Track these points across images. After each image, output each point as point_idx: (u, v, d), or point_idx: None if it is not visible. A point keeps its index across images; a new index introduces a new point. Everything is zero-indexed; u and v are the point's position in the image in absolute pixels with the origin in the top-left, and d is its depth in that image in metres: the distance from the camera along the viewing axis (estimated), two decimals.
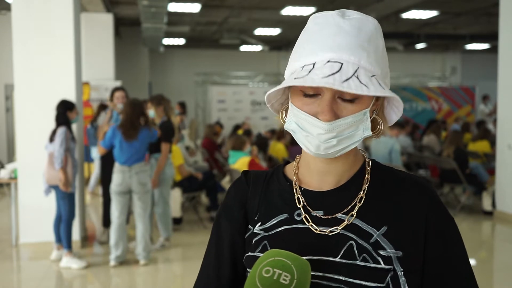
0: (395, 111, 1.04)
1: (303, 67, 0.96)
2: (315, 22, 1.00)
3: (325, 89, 0.95)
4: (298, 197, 1.06)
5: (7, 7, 9.16)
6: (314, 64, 0.94)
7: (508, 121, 7.15)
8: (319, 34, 0.97)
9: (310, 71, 0.93)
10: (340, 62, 0.93)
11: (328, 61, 0.93)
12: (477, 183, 7.66)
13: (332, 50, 0.94)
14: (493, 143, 8.50)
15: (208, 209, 7.14)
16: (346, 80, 0.90)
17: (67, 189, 4.96)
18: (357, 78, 0.91)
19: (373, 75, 0.94)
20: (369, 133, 0.98)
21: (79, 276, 4.97)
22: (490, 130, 10.10)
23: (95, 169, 8.29)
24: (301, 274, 0.89)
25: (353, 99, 0.95)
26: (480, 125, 12.14)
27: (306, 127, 0.97)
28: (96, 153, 7.70)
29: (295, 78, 0.94)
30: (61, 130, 4.98)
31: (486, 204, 7.38)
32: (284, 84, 0.95)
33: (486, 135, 9.25)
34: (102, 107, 7.79)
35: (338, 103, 0.95)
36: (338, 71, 0.91)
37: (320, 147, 0.96)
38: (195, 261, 5.29)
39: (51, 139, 5.04)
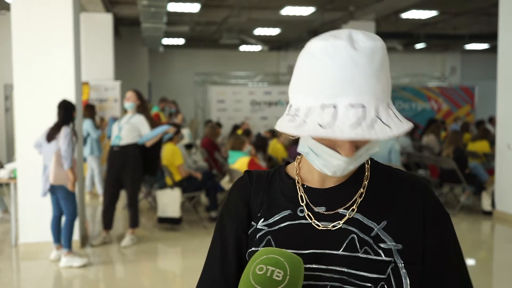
0: None
1: (323, 107, 0.92)
2: (326, 52, 0.94)
3: None
4: (301, 196, 1.09)
5: (7, 7, 9.16)
6: (335, 106, 0.91)
7: (508, 121, 7.15)
8: (334, 68, 0.92)
9: (335, 118, 0.91)
10: (361, 105, 0.91)
11: (350, 105, 0.91)
12: (477, 183, 7.67)
13: (352, 91, 0.91)
14: (492, 143, 8.51)
15: (208, 209, 7.14)
16: (371, 124, 0.90)
17: (74, 188, 5.02)
18: (380, 119, 0.91)
19: (387, 104, 0.95)
20: (377, 149, 1.02)
21: (79, 276, 4.96)
22: (490, 130, 10.10)
23: (88, 168, 8.32)
24: (294, 270, 0.91)
25: None
26: (479, 125, 12.14)
27: (323, 156, 0.99)
28: (87, 153, 7.86)
29: (319, 125, 0.91)
30: (67, 130, 4.99)
31: (486, 204, 7.38)
32: (310, 132, 0.91)
33: (486, 135, 9.26)
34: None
35: None
36: (362, 116, 0.90)
37: (336, 172, 1.00)
38: (195, 261, 5.29)
39: (51, 138, 5.02)
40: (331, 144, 0.97)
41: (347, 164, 0.98)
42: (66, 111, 5.06)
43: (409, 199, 1.07)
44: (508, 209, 7.05)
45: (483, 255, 5.99)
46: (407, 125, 0.93)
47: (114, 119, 6.62)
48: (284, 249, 0.95)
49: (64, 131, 4.98)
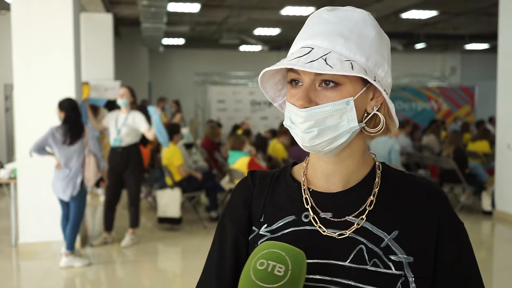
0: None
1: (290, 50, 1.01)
2: (307, 19, 1.03)
3: (304, 76, 0.95)
4: (306, 198, 1.03)
5: (7, 7, 9.16)
6: (292, 53, 0.98)
7: (508, 121, 7.15)
8: (304, 28, 1.01)
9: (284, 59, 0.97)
10: (311, 47, 0.95)
11: (301, 47, 0.97)
12: (477, 183, 7.67)
13: (308, 38, 0.98)
14: (492, 143, 8.51)
15: (208, 209, 7.14)
16: (311, 61, 0.91)
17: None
18: (324, 60, 0.91)
19: (349, 60, 0.93)
20: (355, 124, 0.94)
21: (79, 276, 4.97)
22: (490, 130, 10.11)
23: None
24: (296, 265, 0.87)
25: (333, 86, 0.94)
26: (479, 125, 12.15)
27: (293, 119, 0.97)
28: None
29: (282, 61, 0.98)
30: (91, 131, 5.07)
31: (486, 204, 7.38)
32: (260, 75, 1.03)
33: (486, 135, 9.26)
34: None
35: (317, 90, 0.95)
36: (305, 54, 0.93)
37: (304, 138, 0.95)
38: (195, 261, 5.29)
39: (74, 140, 4.91)
40: (294, 102, 0.96)
41: (305, 120, 0.93)
42: (73, 110, 4.98)
43: (423, 208, 1.01)
44: (508, 209, 7.05)
45: (483, 255, 5.98)
46: (359, 73, 0.90)
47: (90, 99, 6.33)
48: (285, 243, 0.90)
49: (90, 132, 5.01)
